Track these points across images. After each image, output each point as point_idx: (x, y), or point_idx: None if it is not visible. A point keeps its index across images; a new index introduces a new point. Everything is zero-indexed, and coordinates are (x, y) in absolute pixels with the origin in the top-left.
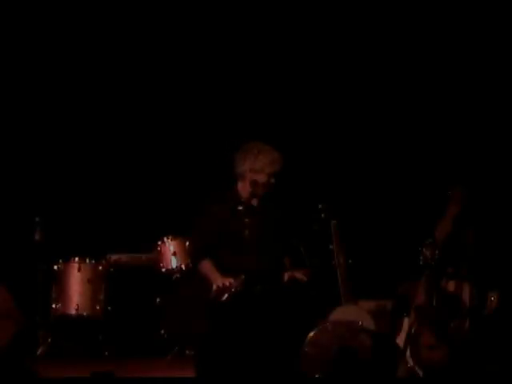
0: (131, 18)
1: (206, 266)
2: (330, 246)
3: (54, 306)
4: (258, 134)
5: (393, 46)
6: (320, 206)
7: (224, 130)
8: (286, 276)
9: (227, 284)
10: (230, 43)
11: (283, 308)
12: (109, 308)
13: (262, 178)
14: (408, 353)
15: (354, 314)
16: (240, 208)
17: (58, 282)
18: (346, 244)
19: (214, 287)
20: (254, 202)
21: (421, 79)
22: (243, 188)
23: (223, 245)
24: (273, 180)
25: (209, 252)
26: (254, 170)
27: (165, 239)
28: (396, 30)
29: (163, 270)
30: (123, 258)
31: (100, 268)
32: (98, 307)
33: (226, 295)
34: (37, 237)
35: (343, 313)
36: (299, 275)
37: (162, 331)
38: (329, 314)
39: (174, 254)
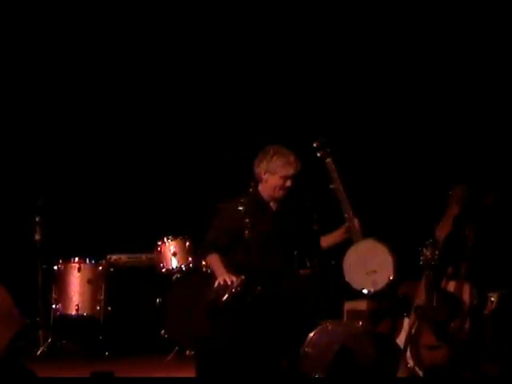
0: (131, 18)
1: (214, 260)
2: (331, 186)
3: (54, 306)
4: (259, 134)
5: (394, 45)
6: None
7: (224, 130)
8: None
9: (229, 282)
10: (232, 45)
11: (283, 308)
12: (109, 308)
13: (276, 181)
14: (408, 353)
15: (371, 247)
16: (240, 208)
17: (58, 282)
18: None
19: (216, 284)
20: (273, 205)
21: (421, 79)
22: (263, 189)
23: (231, 244)
24: (288, 184)
25: (221, 247)
26: (269, 171)
27: (165, 239)
28: (396, 30)
29: (163, 270)
30: (123, 258)
31: (100, 268)
32: (98, 307)
33: (227, 295)
34: (37, 237)
35: (358, 250)
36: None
37: (162, 331)
38: (344, 255)
39: (174, 254)
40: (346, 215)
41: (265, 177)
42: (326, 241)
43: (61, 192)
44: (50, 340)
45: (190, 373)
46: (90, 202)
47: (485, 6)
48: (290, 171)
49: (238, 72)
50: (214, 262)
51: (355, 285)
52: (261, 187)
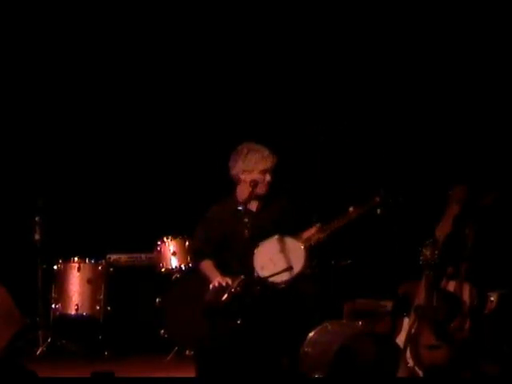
0: (131, 18)
1: (206, 266)
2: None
3: (53, 305)
4: (259, 135)
5: (393, 46)
6: None
7: (225, 130)
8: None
9: (224, 284)
10: (234, 45)
11: (283, 308)
12: (109, 308)
13: (256, 177)
14: (408, 353)
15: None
16: (240, 208)
17: (58, 282)
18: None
19: (211, 286)
20: (253, 204)
21: (421, 79)
22: (240, 190)
23: (225, 246)
24: (268, 178)
25: (209, 254)
26: (246, 170)
27: (165, 239)
28: (396, 30)
29: (163, 269)
30: (123, 258)
31: (100, 268)
32: (97, 307)
33: (226, 295)
34: (37, 237)
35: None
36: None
37: (162, 331)
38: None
39: (174, 253)
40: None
41: (243, 176)
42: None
43: (61, 192)
44: (49, 340)
45: (189, 373)
46: (90, 202)
47: (485, 5)
48: (267, 164)
49: (237, 72)
50: (206, 267)
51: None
52: (238, 189)
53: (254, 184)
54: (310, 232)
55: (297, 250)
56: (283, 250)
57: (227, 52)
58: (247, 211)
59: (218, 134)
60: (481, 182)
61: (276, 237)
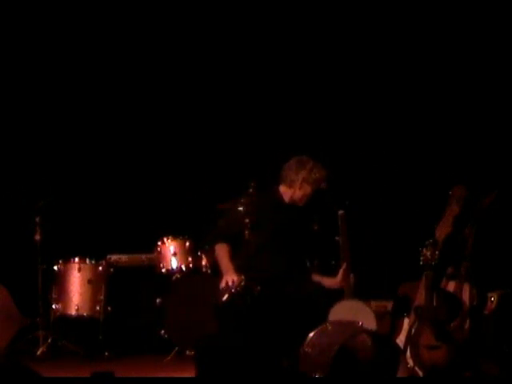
0: (132, 18)
1: (223, 252)
2: (336, 238)
3: (54, 306)
4: (259, 135)
5: (393, 46)
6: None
7: (224, 132)
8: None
9: (230, 283)
10: (234, 46)
11: (283, 308)
12: (109, 308)
13: (309, 191)
14: (408, 353)
15: (355, 308)
16: (240, 209)
17: (58, 282)
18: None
19: (223, 283)
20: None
21: (421, 79)
22: (291, 193)
23: (235, 242)
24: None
25: (230, 237)
26: (307, 181)
27: (165, 239)
28: (396, 30)
29: (163, 270)
30: (123, 258)
31: (100, 268)
32: (98, 307)
33: (226, 295)
34: (37, 237)
35: (344, 307)
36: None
37: (162, 331)
38: (330, 309)
39: (174, 254)
40: (342, 268)
41: (300, 185)
42: (319, 280)
43: (61, 192)
44: (50, 340)
45: (190, 373)
46: (90, 203)
47: (485, 5)
48: (323, 186)
49: (238, 73)
50: (221, 255)
51: None
52: (288, 191)
53: (308, 196)
54: (341, 277)
55: (365, 312)
56: (354, 314)
57: (224, 55)
58: (288, 209)
59: (218, 135)
60: (481, 181)
61: (342, 303)
